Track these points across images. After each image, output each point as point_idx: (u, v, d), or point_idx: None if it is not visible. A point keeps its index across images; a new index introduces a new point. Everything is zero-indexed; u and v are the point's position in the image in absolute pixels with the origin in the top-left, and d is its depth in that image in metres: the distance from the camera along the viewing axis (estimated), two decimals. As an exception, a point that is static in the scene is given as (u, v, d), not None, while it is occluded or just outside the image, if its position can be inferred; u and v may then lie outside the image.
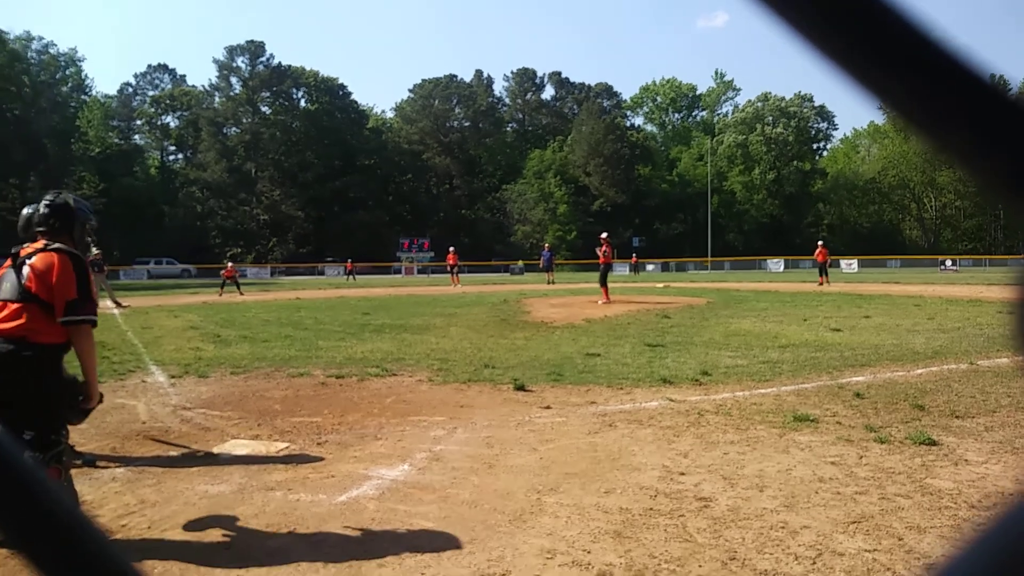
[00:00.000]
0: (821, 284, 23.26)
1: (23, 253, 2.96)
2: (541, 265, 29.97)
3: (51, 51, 56.99)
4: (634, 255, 48.67)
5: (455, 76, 74.13)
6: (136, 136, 69.08)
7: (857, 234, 68.93)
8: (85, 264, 2.99)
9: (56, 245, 2.94)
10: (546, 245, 34.22)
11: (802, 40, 0.29)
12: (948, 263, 49.94)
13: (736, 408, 5.11)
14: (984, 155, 0.28)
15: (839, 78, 0.29)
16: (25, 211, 4.17)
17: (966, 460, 3.76)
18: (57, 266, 2.86)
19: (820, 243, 24.62)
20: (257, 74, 65.85)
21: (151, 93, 70.23)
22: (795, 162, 70.23)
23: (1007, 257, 57.48)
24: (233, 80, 66.56)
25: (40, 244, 2.98)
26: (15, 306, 2.83)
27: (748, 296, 17.99)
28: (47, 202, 3.07)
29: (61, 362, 2.95)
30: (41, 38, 56.46)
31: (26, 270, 2.87)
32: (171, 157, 72.32)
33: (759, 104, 72.75)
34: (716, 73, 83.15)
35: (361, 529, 3.01)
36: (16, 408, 2.76)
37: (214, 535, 2.99)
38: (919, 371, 6.48)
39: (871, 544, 2.72)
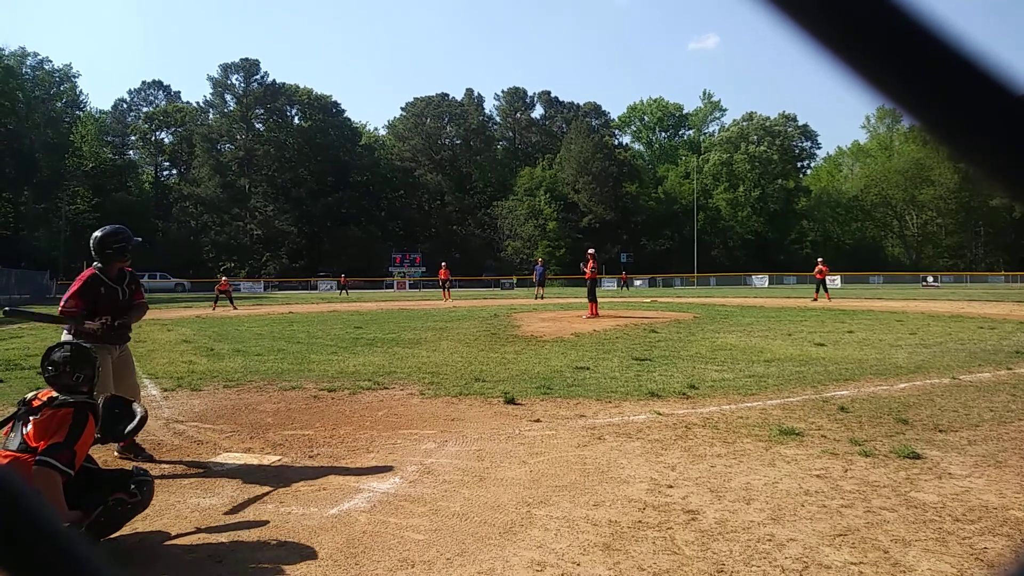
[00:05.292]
0: (815, 300, 23.36)
1: (35, 404, 2.99)
2: (534, 279, 30.13)
3: (46, 67, 57.28)
4: (623, 272, 48.95)
5: (447, 95, 74.82)
6: (130, 152, 69.20)
7: (840, 251, 69.75)
8: (87, 417, 2.98)
9: (61, 399, 2.96)
10: (539, 260, 34.50)
11: (825, 50, 0.31)
12: (930, 279, 50.58)
13: (723, 421, 5.16)
14: (1009, 164, 0.30)
15: (859, 88, 0.31)
16: (96, 234, 4.28)
17: (950, 473, 3.80)
18: (57, 418, 2.89)
19: (820, 260, 24.79)
20: (251, 91, 66.14)
21: (145, 109, 70.37)
22: (779, 180, 71.31)
23: (987, 273, 58.36)
24: (227, 97, 66.92)
25: (49, 394, 3.01)
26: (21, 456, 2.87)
27: (734, 311, 18.13)
28: (64, 357, 3.05)
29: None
30: (36, 54, 56.92)
31: (30, 426, 2.92)
32: (165, 173, 72.33)
33: (744, 123, 73.92)
34: (704, 93, 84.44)
35: (352, 542, 3.01)
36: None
37: (205, 548, 2.99)
38: (902, 385, 6.56)
39: (857, 557, 2.74)
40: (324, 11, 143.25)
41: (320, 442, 4.78)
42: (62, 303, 4.17)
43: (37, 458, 2.76)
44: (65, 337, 4.12)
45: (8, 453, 2.86)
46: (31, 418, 2.93)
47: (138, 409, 3.44)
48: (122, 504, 2.95)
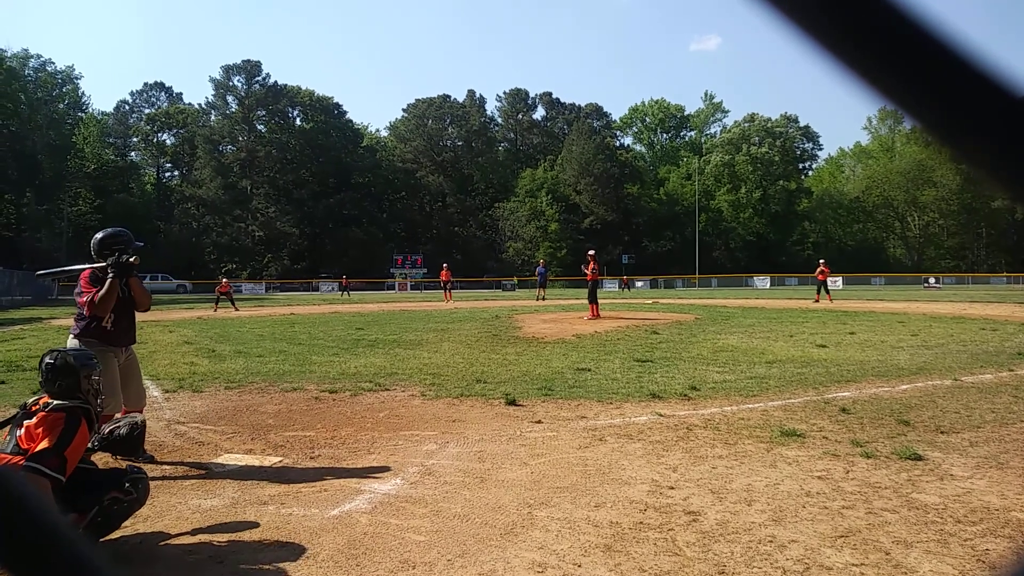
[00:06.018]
0: (817, 301, 23.35)
1: (33, 408, 2.99)
2: (538, 280, 30.27)
3: (48, 69, 57.45)
4: (625, 273, 49.00)
5: (448, 96, 74.88)
6: (132, 153, 69.21)
7: (842, 252, 69.70)
8: (79, 422, 2.92)
9: (56, 403, 2.96)
10: (541, 261, 34.80)
11: (827, 50, 0.31)
12: (931, 280, 50.53)
13: (724, 423, 5.16)
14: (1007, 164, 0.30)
15: (859, 89, 0.31)
16: (97, 235, 4.31)
17: (952, 475, 3.80)
18: (48, 421, 2.87)
19: (822, 261, 24.83)
20: (253, 93, 66.24)
21: (147, 111, 70.44)
22: (781, 181, 71.22)
23: (989, 275, 58.30)
24: (229, 99, 66.98)
25: (46, 400, 3.02)
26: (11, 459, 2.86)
27: (735, 312, 18.11)
28: (48, 364, 3.08)
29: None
30: (39, 56, 57.12)
31: (23, 430, 2.91)
32: (167, 174, 72.36)
33: (746, 125, 73.85)
34: (705, 95, 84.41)
35: (353, 543, 3.01)
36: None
37: (207, 549, 2.99)
38: (904, 387, 6.55)
39: (858, 558, 2.74)
40: (325, 12, 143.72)
41: (321, 443, 4.78)
42: (86, 306, 4.17)
43: (24, 464, 2.72)
44: (71, 342, 4.12)
45: (2, 456, 2.87)
46: (26, 422, 2.93)
47: (138, 418, 3.46)
48: (118, 503, 2.96)
